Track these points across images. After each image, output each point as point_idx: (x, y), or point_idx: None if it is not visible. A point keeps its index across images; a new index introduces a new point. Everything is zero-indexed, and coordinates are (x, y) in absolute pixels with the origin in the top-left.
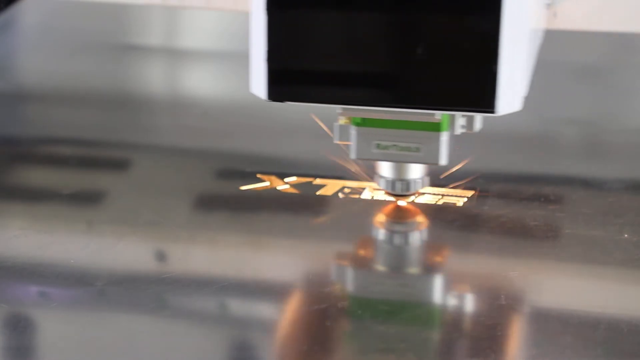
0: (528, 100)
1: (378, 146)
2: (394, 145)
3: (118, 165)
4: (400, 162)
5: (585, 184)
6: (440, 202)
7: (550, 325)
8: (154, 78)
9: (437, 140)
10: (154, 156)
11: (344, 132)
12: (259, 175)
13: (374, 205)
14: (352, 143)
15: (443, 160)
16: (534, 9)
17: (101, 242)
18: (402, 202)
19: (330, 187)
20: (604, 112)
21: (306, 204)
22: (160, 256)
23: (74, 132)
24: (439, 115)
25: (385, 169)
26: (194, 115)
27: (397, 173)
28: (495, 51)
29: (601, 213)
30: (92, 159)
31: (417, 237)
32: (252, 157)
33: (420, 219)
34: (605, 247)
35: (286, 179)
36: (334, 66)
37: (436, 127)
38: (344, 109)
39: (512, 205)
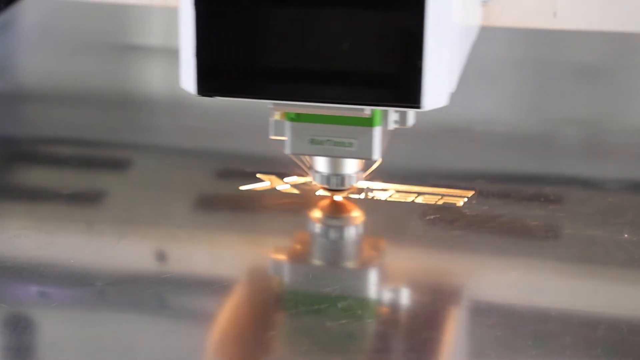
0: (528, 100)
1: (312, 141)
2: (328, 140)
3: (118, 165)
4: (334, 157)
5: (585, 184)
6: (440, 203)
7: (550, 325)
8: (154, 78)
9: (370, 135)
10: (154, 156)
11: (279, 128)
12: (259, 175)
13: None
14: (287, 138)
15: (376, 155)
16: (462, 6)
17: (101, 242)
18: (338, 197)
19: None
20: (604, 112)
21: (306, 204)
22: (160, 256)
23: (74, 132)
24: (368, 110)
25: (320, 164)
26: (194, 115)
27: (332, 168)
28: (420, 47)
29: (601, 213)
30: (92, 159)
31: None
32: (252, 157)
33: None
34: (605, 247)
35: (286, 179)
36: (263, 61)
37: (369, 122)
38: (274, 104)
39: (512, 205)
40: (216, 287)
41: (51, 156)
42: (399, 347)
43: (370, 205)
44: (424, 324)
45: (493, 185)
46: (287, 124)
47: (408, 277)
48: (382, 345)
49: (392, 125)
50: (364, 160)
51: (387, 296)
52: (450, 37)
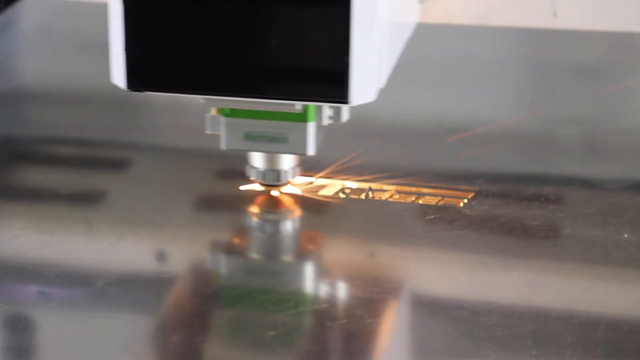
0: (528, 100)
1: (247, 137)
2: (263, 135)
3: (118, 165)
4: (269, 152)
5: (585, 184)
6: (441, 204)
7: (550, 325)
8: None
9: (304, 131)
10: (153, 156)
11: (214, 123)
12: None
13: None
14: (222, 134)
15: (311, 151)
16: (392, 2)
17: (101, 242)
18: (275, 192)
19: (331, 187)
20: (604, 112)
21: (306, 204)
22: (160, 256)
23: (73, 132)
24: (299, 105)
25: (256, 159)
26: (194, 115)
27: (268, 163)
28: (346, 43)
29: (601, 213)
30: (92, 159)
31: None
32: None
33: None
34: (605, 247)
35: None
36: (192, 56)
37: (303, 118)
38: (205, 99)
39: (512, 205)
40: (216, 287)
41: (51, 156)
42: (399, 347)
43: (371, 206)
44: (424, 323)
45: (493, 186)
46: (222, 120)
47: (408, 277)
48: (383, 345)
49: (326, 121)
50: (299, 156)
51: (386, 296)
52: (378, 33)
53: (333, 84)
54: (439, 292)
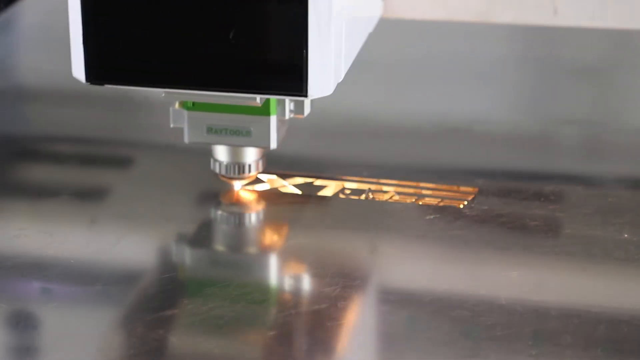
0: (528, 99)
1: (209, 130)
2: (225, 129)
3: (119, 164)
4: (232, 145)
5: (585, 184)
6: (441, 204)
7: (550, 325)
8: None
9: (266, 124)
10: (153, 156)
11: (177, 117)
12: (259, 176)
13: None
14: (185, 127)
15: (273, 144)
16: None
17: (101, 242)
18: (237, 184)
19: (330, 187)
20: (604, 111)
21: (306, 203)
22: (161, 256)
23: (73, 132)
24: (258, 99)
25: (219, 152)
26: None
27: (231, 156)
28: (303, 37)
29: (601, 213)
30: (91, 159)
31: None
32: None
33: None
34: (605, 247)
35: (287, 180)
36: (150, 49)
37: (266, 111)
38: (165, 92)
39: (512, 205)
40: (219, 286)
41: (51, 156)
42: (399, 347)
43: (371, 206)
44: (424, 323)
45: (493, 185)
46: (185, 113)
47: (408, 277)
48: (384, 344)
49: (288, 114)
50: (262, 149)
51: (386, 296)
52: (336, 27)
53: (291, 77)
54: (439, 292)
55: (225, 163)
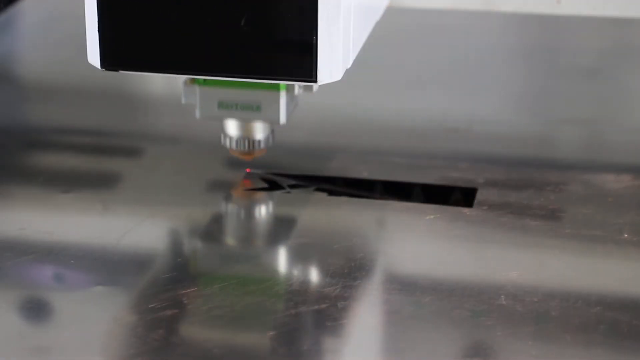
0: (528, 99)
1: (220, 105)
2: (236, 104)
3: (119, 163)
4: (243, 120)
5: (585, 184)
6: (441, 204)
7: (550, 325)
8: (154, 77)
9: (277, 99)
10: (153, 156)
11: (189, 93)
12: (259, 176)
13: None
14: (196, 103)
15: (283, 119)
16: None
17: (102, 242)
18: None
19: (329, 187)
20: (604, 111)
21: (306, 203)
22: (161, 256)
23: (73, 132)
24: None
25: (230, 127)
26: (194, 114)
27: (242, 131)
28: (313, 22)
29: (601, 213)
30: (91, 158)
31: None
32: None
33: None
34: (605, 247)
35: (287, 179)
36: (164, 35)
37: (276, 87)
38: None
39: (512, 205)
40: (219, 286)
41: (51, 155)
42: (399, 346)
43: (371, 206)
44: (424, 323)
45: (493, 186)
46: (197, 89)
47: (408, 278)
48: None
49: (297, 90)
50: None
51: (385, 295)
52: (345, 14)
53: (301, 63)
54: (438, 291)
55: (235, 138)
